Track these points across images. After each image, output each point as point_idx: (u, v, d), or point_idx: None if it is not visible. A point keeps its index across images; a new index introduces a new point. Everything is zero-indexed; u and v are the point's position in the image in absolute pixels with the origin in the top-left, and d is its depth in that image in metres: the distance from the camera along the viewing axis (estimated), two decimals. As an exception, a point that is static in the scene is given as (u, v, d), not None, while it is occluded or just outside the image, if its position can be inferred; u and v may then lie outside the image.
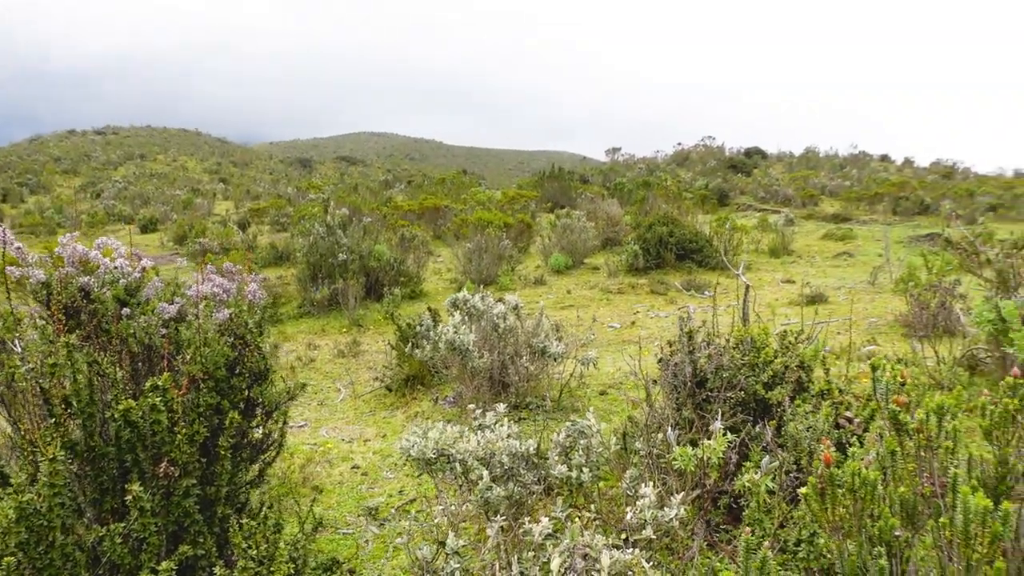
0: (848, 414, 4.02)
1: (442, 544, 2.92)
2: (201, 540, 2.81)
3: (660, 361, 4.22)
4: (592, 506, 3.27)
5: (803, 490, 1.98)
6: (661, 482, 3.71)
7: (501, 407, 3.95)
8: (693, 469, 2.71)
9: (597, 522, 3.20)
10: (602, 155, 53.37)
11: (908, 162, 45.21)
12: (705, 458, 2.65)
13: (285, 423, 3.49)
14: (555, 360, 6.74)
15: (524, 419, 6.97)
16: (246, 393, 3.28)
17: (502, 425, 3.75)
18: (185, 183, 46.68)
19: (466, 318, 6.91)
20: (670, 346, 4.48)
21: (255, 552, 2.62)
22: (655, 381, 4.52)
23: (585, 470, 3.39)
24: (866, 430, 3.83)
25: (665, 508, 2.84)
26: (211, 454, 2.99)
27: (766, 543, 1.77)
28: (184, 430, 2.77)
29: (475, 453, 3.42)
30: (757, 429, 3.81)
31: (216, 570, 2.60)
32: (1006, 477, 2.35)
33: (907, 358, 7.49)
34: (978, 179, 37.04)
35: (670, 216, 17.12)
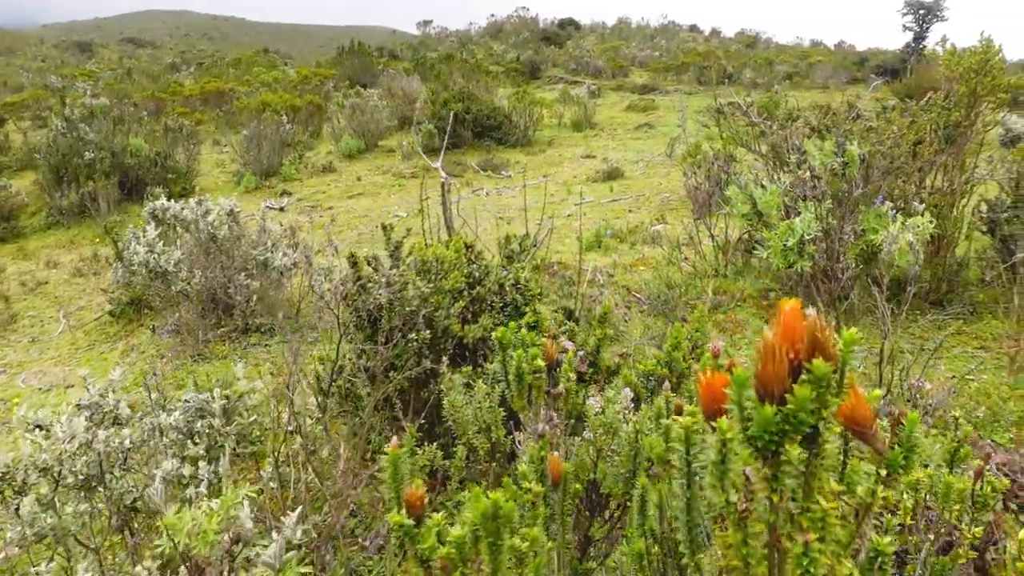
0: (568, 344, 3.16)
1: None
2: None
3: (346, 298, 3.25)
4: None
5: None
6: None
7: (83, 371, 2.88)
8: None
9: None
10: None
11: (715, 32, 45.83)
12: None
13: None
14: (281, 274, 5.65)
15: (255, 344, 5.92)
16: None
17: (105, 398, 2.69)
18: (-68, 75, 40.36)
19: (175, 230, 5.66)
20: (369, 263, 3.50)
21: None
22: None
23: (202, 464, 2.42)
24: (593, 364, 3.03)
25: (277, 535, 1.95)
26: None
27: None
28: None
29: (34, 462, 2.37)
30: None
31: None
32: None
33: (682, 240, 6.98)
34: (778, 48, 38.12)
35: (467, 91, 15.96)
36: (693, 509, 1.07)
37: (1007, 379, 4.29)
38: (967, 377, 4.45)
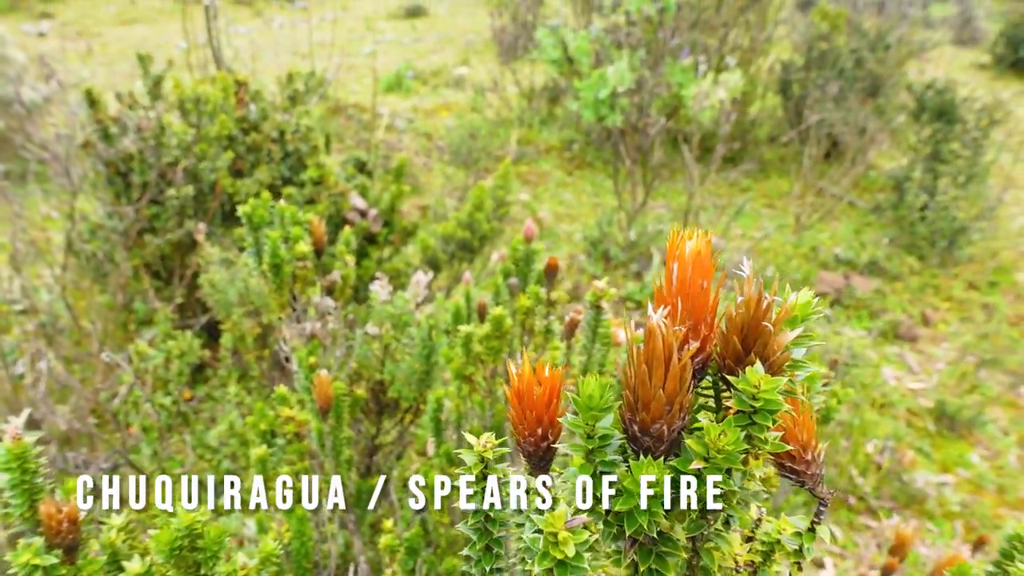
0: (359, 203, 2.89)
1: None
2: None
3: (85, 146, 2.71)
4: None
5: None
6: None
7: None
8: None
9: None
10: None
11: None
12: None
13: None
14: (30, 111, 4.80)
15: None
16: None
17: None
18: None
19: None
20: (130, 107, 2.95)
21: None
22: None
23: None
24: (388, 224, 2.76)
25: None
26: None
27: None
28: None
29: None
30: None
31: None
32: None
33: (487, 87, 6.65)
34: None
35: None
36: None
37: (792, 237, 4.47)
38: (755, 236, 4.59)
